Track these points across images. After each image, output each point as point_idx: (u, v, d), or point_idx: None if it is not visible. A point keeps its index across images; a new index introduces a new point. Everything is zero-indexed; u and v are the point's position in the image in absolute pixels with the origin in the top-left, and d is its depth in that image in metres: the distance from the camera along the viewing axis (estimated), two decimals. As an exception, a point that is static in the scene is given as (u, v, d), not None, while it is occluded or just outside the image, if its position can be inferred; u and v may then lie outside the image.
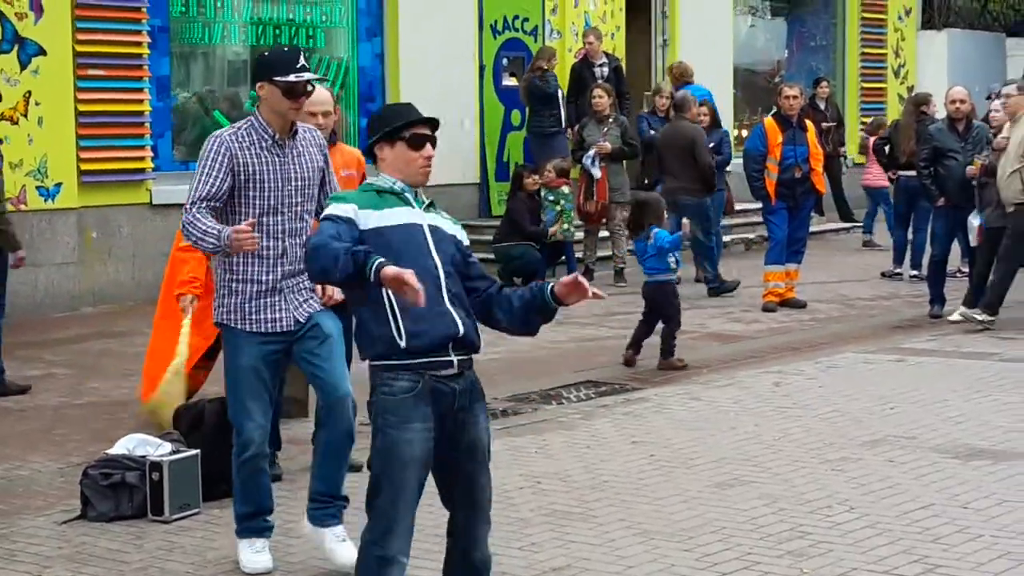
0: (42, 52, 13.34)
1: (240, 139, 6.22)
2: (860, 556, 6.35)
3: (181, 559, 6.50)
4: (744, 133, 19.81)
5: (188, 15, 14.98)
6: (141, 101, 14.20)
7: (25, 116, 13.18)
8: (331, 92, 7.85)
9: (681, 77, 17.42)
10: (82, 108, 13.66)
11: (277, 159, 6.26)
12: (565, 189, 15.39)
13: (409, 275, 4.62)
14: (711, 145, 15.37)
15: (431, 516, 5.59)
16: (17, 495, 7.61)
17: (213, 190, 6.14)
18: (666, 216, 11.57)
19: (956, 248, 13.98)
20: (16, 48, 13.19)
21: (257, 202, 6.21)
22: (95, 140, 13.70)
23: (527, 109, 16.80)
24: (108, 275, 13.74)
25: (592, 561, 6.36)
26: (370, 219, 4.95)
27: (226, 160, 6.16)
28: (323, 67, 16.19)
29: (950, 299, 13.15)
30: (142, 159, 14.22)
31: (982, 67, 23.61)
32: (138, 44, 14.10)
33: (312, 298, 6.39)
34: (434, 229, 5.05)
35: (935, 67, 23.40)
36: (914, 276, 15.56)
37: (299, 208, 6.31)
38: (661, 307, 11.02)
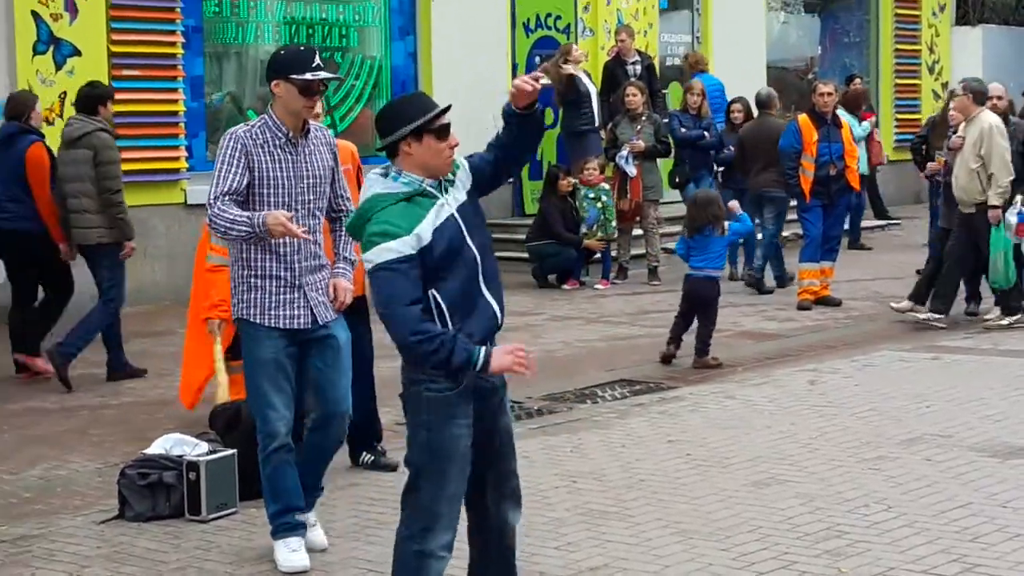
0: (77, 53, 13.40)
1: (254, 137, 6.29)
2: (898, 555, 6.33)
3: (219, 558, 6.53)
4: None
5: (222, 15, 15.03)
6: (175, 101, 14.25)
7: (60, 116, 13.22)
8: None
9: (696, 66, 17.56)
10: (117, 108, 13.62)
11: (290, 157, 6.32)
12: (605, 185, 15.38)
13: None
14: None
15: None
16: (55, 495, 7.65)
17: (234, 185, 6.21)
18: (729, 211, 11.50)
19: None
20: (51, 49, 13.25)
21: (270, 199, 6.27)
22: (130, 140, 13.72)
23: (559, 108, 16.78)
24: (144, 275, 13.78)
25: (629, 560, 6.35)
26: (422, 236, 4.87)
27: (243, 156, 6.24)
28: (356, 66, 16.23)
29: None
30: (176, 159, 14.27)
31: (1017, 63, 23.46)
32: (172, 44, 14.16)
33: (328, 300, 6.49)
34: (461, 210, 5.02)
35: (970, 63, 23.22)
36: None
37: (311, 205, 6.38)
38: (705, 303, 11.00)
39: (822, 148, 13.67)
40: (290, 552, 6.34)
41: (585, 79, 16.40)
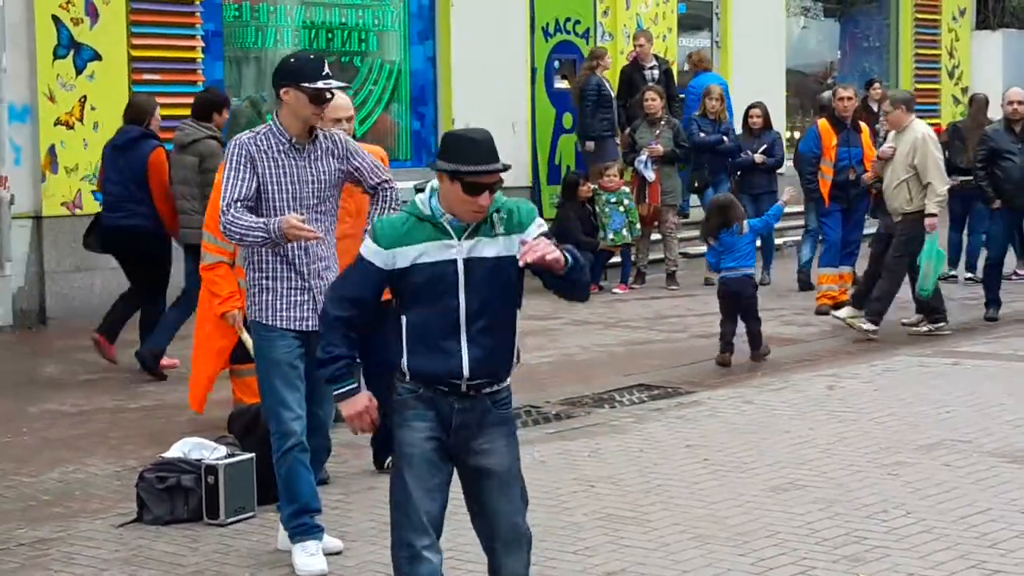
0: (97, 57, 13.44)
1: (259, 143, 6.37)
2: (917, 561, 6.31)
3: (237, 562, 6.54)
4: (796, 135, 19.73)
5: (241, 19, 15.05)
6: (195, 106, 14.26)
7: (81, 121, 13.28)
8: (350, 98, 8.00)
9: (699, 64, 17.67)
10: (136, 113, 13.72)
11: (295, 163, 6.38)
12: (625, 188, 15.39)
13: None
14: (763, 147, 15.36)
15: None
16: (74, 498, 7.67)
17: (244, 191, 6.30)
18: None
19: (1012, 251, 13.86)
20: (72, 53, 13.29)
21: (275, 204, 6.34)
22: (150, 144, 13.76)
23: (579, 112, 16.78)
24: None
25: (647, 566, 6.35)
26: (398, 259, 4.93)
27: (249, 163, 6.32)
28: (375, 70, 16.25)
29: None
30: (196, 163, 14.27)
31: (1038, 67, 23.40)
32: (192, 49, 14.19)
33: None
34: (470, 263, 4.92)
35: (990, 68, 23.20)
36: (969, 279, 15.45)
37: (316, 210, 6.43)
38: (747, 300, 11.27)
39: (841, 153, 13.66)
40: (308, 556, 6.35)
41: (606, 85, 16.43)
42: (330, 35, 15.85)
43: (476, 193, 4.88)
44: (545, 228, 5.00)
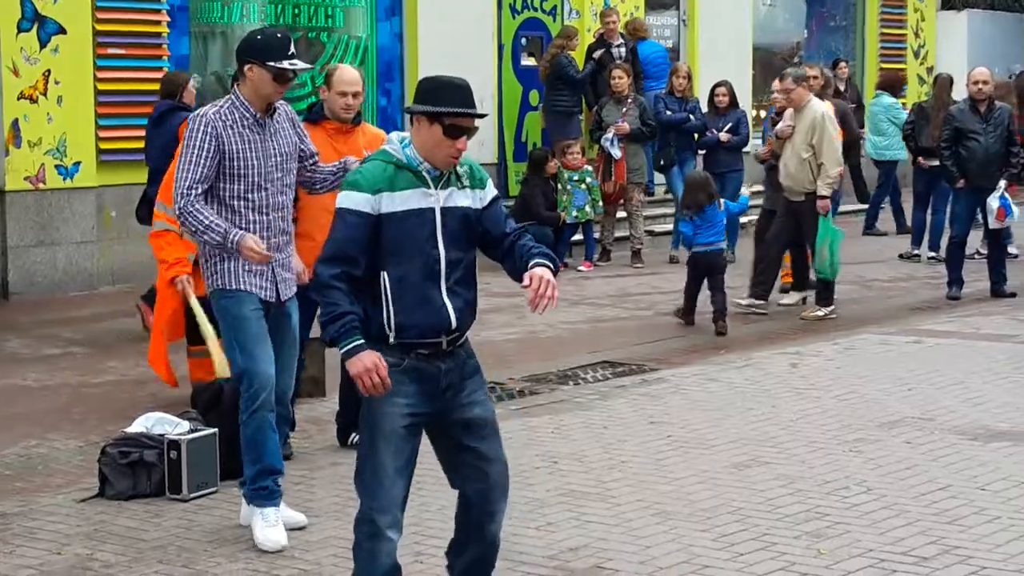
0: (62, 31, 13.34)
1: (223, 118, 6.36)
2: (877, 537, 6.35)
3: (199, 537, 6.53)
4: (762, 114, 19.76)
5: (207, -6, 14.98)
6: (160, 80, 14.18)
7: (44, 95, 13.19)
8: (360, 72, 7.96)
9: (635, 33, 17.61)
10: (101, 87, 13.66)
11: (259, 137, 6.39)
12: (588, 167, 15.42)
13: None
14: (728, 126, 15.39)
15: (442, 493, 5.60)
16: (36, 473, 7.65)
17: (204, 171, 6.30)
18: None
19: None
20: (36, 26, 13.19)
21: (241, 179, 6.34)
22: (114, 119, 13.70)
23: (545, 88, 16.77)
24: (126, 254, 13.73)
25: (609, 541, 6.37)
26: (383, 203, 4.92)
27: (213, 140, 6.30)
28: (341, 46, 16.19)
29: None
30: (161, 138, 14.20)
31: (1002, 48, 23.51)
32: (157, 23, 14.10)
33: (291, 278, 6.60)
34: (446, 212, 4.99)
35: (955, 48, 23.29)
36: (932, 258, 15.54)
37: (279, 183, 6.46)
38: (718, 271, 11.64)
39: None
40: (267, 527, 6.33)
41: (574, 63, 16.43)
42: (296, 10, 15.77)
43: (456, 136, 4.93)
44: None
